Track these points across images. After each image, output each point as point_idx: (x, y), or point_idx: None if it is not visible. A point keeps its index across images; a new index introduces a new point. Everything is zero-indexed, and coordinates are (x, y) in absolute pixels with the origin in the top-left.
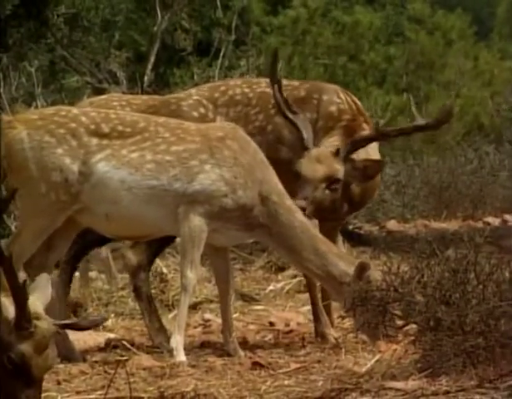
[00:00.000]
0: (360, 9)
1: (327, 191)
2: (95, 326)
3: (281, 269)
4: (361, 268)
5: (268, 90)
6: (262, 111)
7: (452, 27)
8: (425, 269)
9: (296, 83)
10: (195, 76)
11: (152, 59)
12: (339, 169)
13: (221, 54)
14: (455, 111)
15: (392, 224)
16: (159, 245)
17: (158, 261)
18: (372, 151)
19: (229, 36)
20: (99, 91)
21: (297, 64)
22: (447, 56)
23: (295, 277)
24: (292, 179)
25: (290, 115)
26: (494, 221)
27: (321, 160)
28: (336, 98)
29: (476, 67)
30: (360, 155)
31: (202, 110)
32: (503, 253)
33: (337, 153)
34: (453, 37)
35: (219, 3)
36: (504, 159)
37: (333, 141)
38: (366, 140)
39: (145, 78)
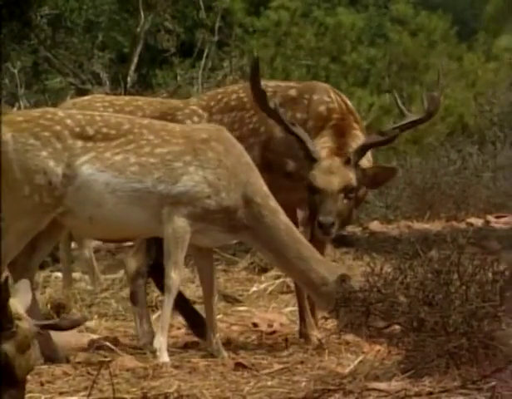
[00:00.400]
0: (342, 10)
1: (345, 201)
2: (76, 326)
3: (264, 270)
4: (342, 280)
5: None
6: (256, 114)
7: (435, 27)
8: (408, 270)
9: (291, 84)
10: (178, 77)
11: (135, 60)
12: (353, 178)
13: (204, 55)
14: (442, 101)
15: (375, 225)
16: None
17: None
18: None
19: (212, 37)
20: (82, 92)
21: (280, 66)
22: (430, 56)
23: (278, 278)
24: (285, 179)
25: (291, 127)
26: (477, 222)
27: (334, 171)
28: (326, 97)
29: (460, 68)
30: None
31: (196, 118)
32: (486, 254)
33: (347, 161)
34: (436, 38)
35: (202, 4)
36: (488, 160)
37: (324, 142)
38: (375, 145)
39: (128, 79)
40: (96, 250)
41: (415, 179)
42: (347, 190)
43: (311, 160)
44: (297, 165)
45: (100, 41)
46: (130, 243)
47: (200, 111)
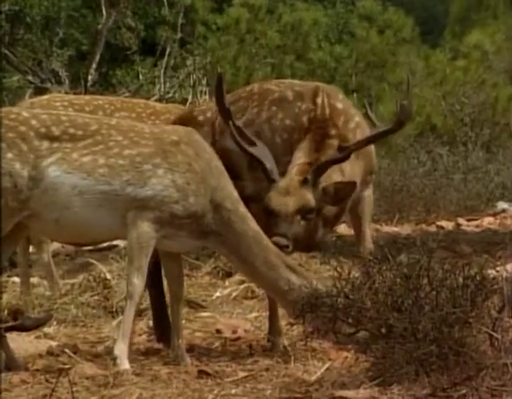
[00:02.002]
0: (304, 6)
1: (302, 223)
2: (41, 324)
3: (228, 275)
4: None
5: (273, 87)
6: (259, 105)
7: (403, 24)
8: (376, 275)
9: (295, 83)
10: (140, 76)
11: (96, 58)
12: (310, 199)
13: (166, 53)
14: (413, 109)
15: (343, 229)
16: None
17: (101, 266)
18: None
19: (175, 35)
20: (41, 91)
21: (243, 64)
22: (399, 54)
23: (242, 283)
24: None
25: (248, 148)
26: (448, 225)
27: (290, 192)
28: (311, 105)
29: (428, 67)
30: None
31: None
32: (457, 258)
33: (304, 181)
34: (404, 35)
35: (165, 1)
36: (458, 161)
37: (299, 158)
38: (332, 163)
39: (89, 78)
40: (55, 254)
41: (383, 181)
42: (304, 212)
43: (269, 181)
44: (256, 187)
45: (59, 39)
46: (90, 247)
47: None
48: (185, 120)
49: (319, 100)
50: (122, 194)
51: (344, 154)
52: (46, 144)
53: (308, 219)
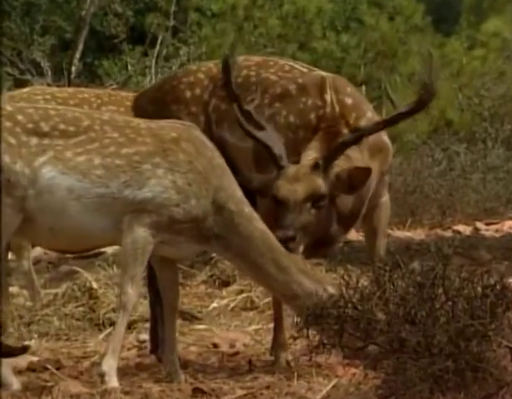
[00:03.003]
0: None
1: (313, 211)
2: (14, 355)
3: (225, 284)
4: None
5: (273, 77)
6: (259, 98)
7: (415, 10)
8: (387, 284)
9: (296, 74)
10: (129, 67)
11: (80, 47)
12: (321, 184)
13: (158, 42)
14: (436, 89)
15: (350, 234)
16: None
17: (86, 275)
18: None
19: (167, 22)
20: (21, 83)
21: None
22: (410, 43)
23: (241, 292)
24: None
25: (255, 133)
26: (465, 230)
27: (299, 178)
28: (318, 101)
29: (442, 56)
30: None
31: (198, 90)
32: (475, 266)
33: (315, 166)
34: (416, 22)
35: None
36: (477, 159)
37: (311, 155)
38: (346, 145)
39: (73, 68)
40: (36, 261)
41: (395, 181)
42: (314, 199)
43: (278, 167)
44: (262, 178)
45: (40, 26)
46: (74, 255)
47: (206, 81)
48: (166, 95)
49: (327, 97)
50: (120, 196)
51: (356, 135)
52: (35, 140)
53: (320, 207)
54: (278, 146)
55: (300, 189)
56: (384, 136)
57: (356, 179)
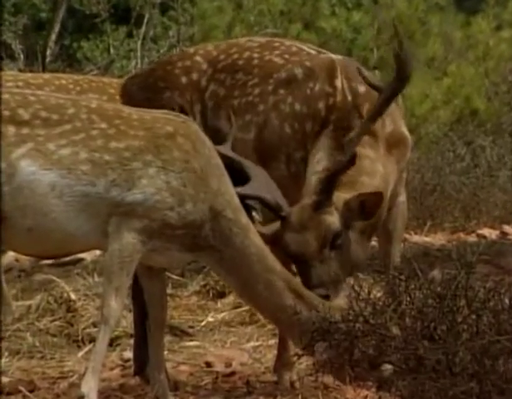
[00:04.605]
0: None
1: (333, 254)
2: None
3: (220, 295)
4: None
5: (278, 60)
6: (261, 83)
7: None
8: (403, 295)
9: (303, 56)
10: (111, 50)
11: (56, 27)
12: (331, 222)
13: (144, 21)
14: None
15: None
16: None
17: (63, 284)
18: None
19: None
20: None
21: (240, 35)
22: (430, 23)
23: (238, 306)
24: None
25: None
26: (491, 234)
27: (306, 226)
28: (327, 87)
29: (467, 38)
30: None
31: (195, 75)
32: (502, 275)
33: (317, 207)
34: (437, 0)
35: None
36: (504, 154)
37: (319, 161)
38: (340, 173)
39: (48, 52)
40: (7, 269)
41: (412, 179)
42: (330, 241)
43: (280, 218)
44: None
45: (12, 4)
46: (50, 261)
47: (205, 66)
48: (158, 80)
49: (338, 83)
50: (106, 197)
51: (350, 156)
52: (12, 130)
53: (339, 245)
54: (272, 192)
55: (311, 241)
56: (402, 127)
57: (368, 205)
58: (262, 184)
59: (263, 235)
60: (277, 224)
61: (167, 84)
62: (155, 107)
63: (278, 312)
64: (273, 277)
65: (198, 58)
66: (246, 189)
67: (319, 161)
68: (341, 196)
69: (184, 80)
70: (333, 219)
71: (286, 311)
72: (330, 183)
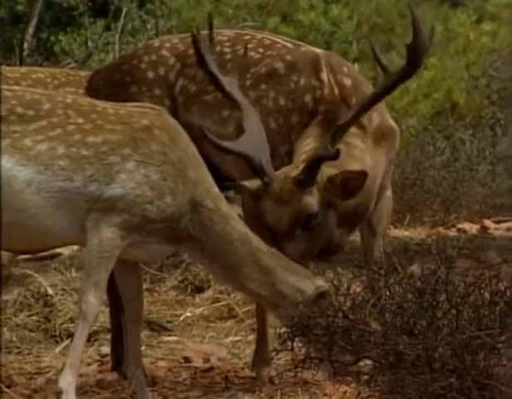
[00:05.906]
0: None
1: (307, 235)
2: None
3: (199, 290)
4: (320, 296)
5: (253, 54)
6: (239, 80)
7: None
8: (382, 290)
9: (283, 51)
10: (89, 43)
11: (34, 20)
12: (309, 203)
13: (122, 14)
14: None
15: None
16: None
17: (41, 279)
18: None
19: None
20: None
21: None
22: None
23: (217, 300)
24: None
25: (227, 146)
26: (471, 228)
27: (284, 200)
28: (314, 81)
29: (447, 31)
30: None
31: (162, 70)
32: (482, 269)
33: (298, 183)
34: None
35: None
36: (484, 148)
37: (307, 144)
38: (326, 157)
39: (25, 45)
40: None
41: (392, 173)
42: (304, 221)
43: (262, 181)
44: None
45: None
46: (26, 256)
47: (172, 60)
48: (125, 76)
49: (324, 77)
50: (84, 192)
51: (331, 151)
52: None
53: (313, 227)
54: (260, 152)
55: (285, 216)
56: (390, 119)
57: (350, 186)
58: (252, 141)
59: (245, 188)
60: (259, 182)
61: (133, 79)
62: (122, 102)
63: (273, 291)
64: (260, 257)
65: (164, 52)
66: (234, 145)
67: (308, 145)
68: (326, 171)
69: (150, 74)
70: (312, 200)
71: (281, 287)
72: (316, 162)
